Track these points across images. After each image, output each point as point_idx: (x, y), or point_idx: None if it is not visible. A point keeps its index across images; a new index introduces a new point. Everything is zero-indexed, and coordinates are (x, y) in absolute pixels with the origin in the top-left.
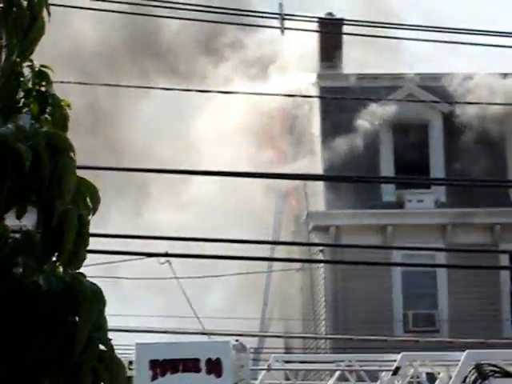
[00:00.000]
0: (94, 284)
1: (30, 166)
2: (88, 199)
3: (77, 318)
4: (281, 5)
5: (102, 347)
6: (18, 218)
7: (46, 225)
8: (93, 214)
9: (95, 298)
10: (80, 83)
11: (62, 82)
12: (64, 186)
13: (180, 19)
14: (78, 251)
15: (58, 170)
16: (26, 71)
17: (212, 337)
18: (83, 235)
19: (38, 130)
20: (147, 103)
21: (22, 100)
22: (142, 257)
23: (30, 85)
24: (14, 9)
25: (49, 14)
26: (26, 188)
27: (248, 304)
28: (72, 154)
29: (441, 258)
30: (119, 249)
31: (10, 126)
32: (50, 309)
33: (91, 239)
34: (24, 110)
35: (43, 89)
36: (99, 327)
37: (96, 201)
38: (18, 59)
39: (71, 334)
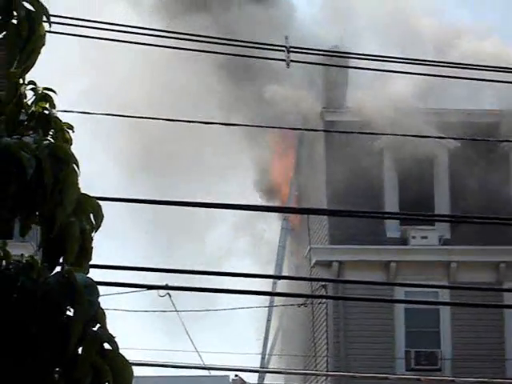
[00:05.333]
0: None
1: (32, 174)
2: (92, 216)
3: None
4: (287, 37)
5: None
6: (22, 234)
7: (47, 235)
8: (95, 231)
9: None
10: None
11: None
12: (66, 196)
13: (183, 49)
14: (80, 265)
15: (60, 179)
16: (29, 94)
17: (212, 371)
18: (86, 249)
19: (41, 142)
20: None
21: (25, 123)
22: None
23: (33, 108)
24: (14, 20)
25: (49, 24)
26: (29, 196)
27: (249, 338)
28: (75, 166)
29: (444, 295)
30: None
31: (13, 137)
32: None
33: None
34: (27, 134)
35: (46, 112)
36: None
37: (99, 218)
38: (18, 70)
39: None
